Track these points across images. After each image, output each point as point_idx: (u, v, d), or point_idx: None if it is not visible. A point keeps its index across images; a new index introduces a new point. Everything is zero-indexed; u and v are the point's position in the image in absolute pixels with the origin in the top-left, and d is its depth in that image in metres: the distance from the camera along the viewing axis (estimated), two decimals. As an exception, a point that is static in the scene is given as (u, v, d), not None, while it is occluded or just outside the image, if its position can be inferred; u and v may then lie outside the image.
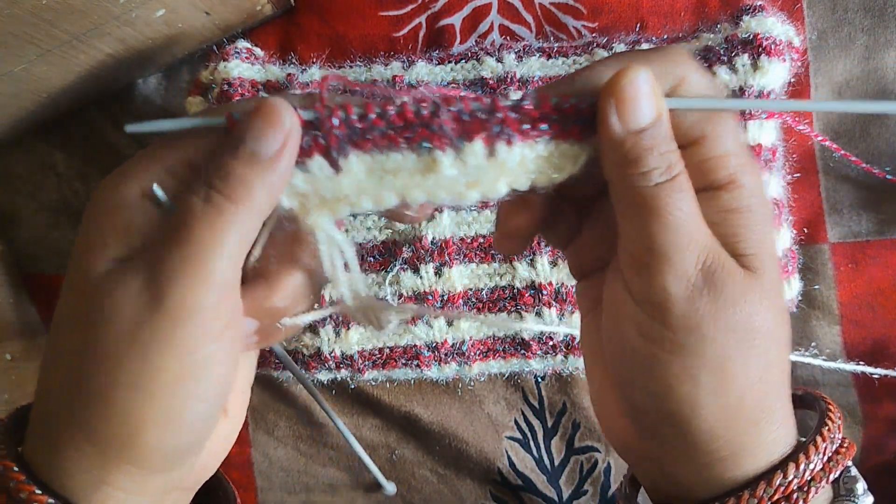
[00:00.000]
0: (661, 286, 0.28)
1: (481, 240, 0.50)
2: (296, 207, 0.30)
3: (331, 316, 0.50)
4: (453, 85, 0.49)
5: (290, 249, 0.32)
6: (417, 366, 0.50)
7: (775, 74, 0.46)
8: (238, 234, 0.28)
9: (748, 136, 0.46)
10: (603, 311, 0.32)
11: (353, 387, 0.55)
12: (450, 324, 0.50)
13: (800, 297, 0.50)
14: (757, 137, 0.46)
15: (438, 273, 0.50)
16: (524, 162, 0.30)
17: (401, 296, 0.50)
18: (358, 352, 0.50)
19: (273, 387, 0.56)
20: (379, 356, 0.51)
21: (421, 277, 0.50)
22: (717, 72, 0.46)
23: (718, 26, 0.48)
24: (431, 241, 0.49)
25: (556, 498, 0.56)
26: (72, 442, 0.28)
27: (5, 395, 0.55)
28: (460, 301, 0.50)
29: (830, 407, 0.34)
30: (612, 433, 0.35)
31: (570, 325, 0.49)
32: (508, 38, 0.52)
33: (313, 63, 0.51)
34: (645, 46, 0.48)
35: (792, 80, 0.49)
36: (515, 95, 0.30)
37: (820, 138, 0.50)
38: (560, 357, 0.50)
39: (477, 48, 0.50)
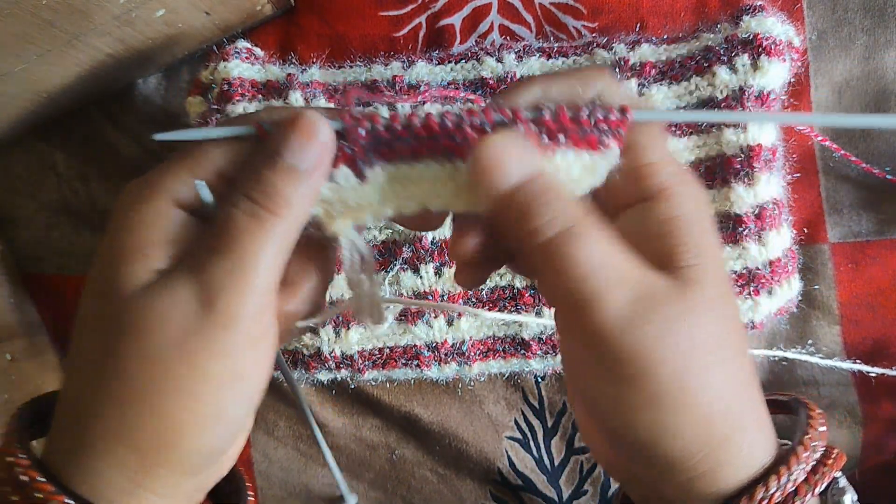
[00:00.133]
0: (592, 329, 0.28)
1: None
2: (321, 214, 0.31)
3: (331, 317, 0.50)
4: (453, 85, 0.49)
5: (307, 255, 0.33)
6: (417, 366, 0.50)
7: (775, 74, 0.46)
8: (279, 244, 0.29)
9: (748, 136, 0.46)
10: (560, 355, 0.32)
11: (353, 387, 0.55)
12: (450, 324, 0.50)
13: (800, 297, 0.50)
14: (757, 137, 0.46)
15: (438, 273, 0.50)
16: None
17: (401, 296, 0.50)
18: (358, 352, 0.50)
19: (273, 387, 0.56)
20: (379, 356, 0.51)
21: (421, 277, 0.50)
22: (718, 72, 0.46)
23: (718, 26, 0.48)
24: (431, 241, 0.49)
25: (556, 498, 0.56)
26: (107, 447, 0.28)
27: (5, 395, 0.55)
28: (460, 301, 0.50)
29: (813, 413, 0.34)
30: (599, 457, 0.36)
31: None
32: (508, 38, 0.52)
33: (313, 63, 0.51)
34: (645, 46, 0.48)
35: (792, 80, 0.49)
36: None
37: (820, 138, 0.50)
38: (560, 357, 0.50)
39: (477, 48, 0.50)
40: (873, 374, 0.50)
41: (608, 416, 0.30)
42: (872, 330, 0.52)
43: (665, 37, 0.50)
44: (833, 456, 0.32)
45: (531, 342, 0.50)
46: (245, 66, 0.49)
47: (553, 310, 0.31)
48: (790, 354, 0.51)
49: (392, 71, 0.50)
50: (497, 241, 0.33)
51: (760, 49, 0.45)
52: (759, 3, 0.47)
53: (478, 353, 0.51)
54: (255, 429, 0.57)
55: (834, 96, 0.51)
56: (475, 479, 0.57)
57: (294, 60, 0.52)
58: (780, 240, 0.48)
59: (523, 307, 0.50)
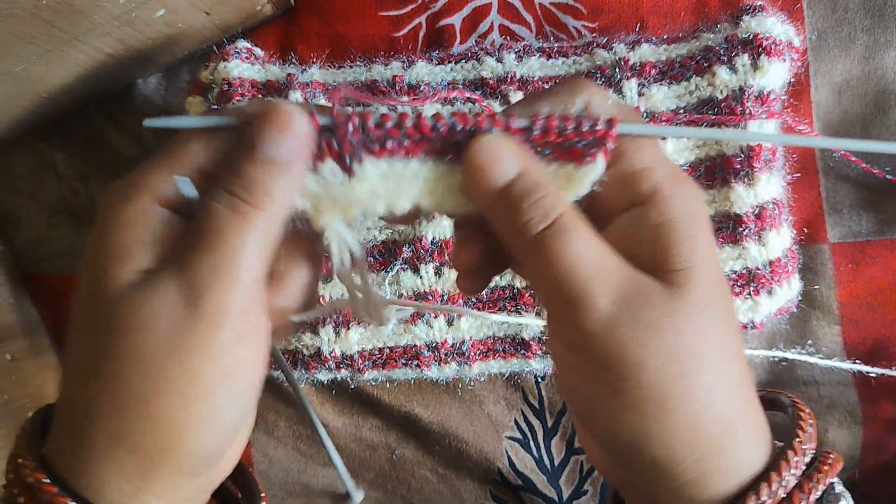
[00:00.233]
0: (577, 328, 0.28)
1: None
2: (308, 208, 0.31)
3: (331, 316, 0.50)
4: (453, 85, 0.49)
5: (295, 248, 0.33)
6: (417, 366, 0.50)
7: (775, 74, 0.46)
8: (262, 238, 0.29)
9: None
10: (551, 358, 0.32)
11: (353, 387, 0.55)
12: (450, 324, 0.50)
13: (800, 297, 0.50)
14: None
15: (438, 273, 0.50)
16: None
17: (401, 296, 0.50)
18: (358, 352, 0.50)
19: (273, 387, 0.56)
20: (379, 356, 0.51)
21: (421, 277, 0.50)
22: (718, 72, 0.46)
23: (718, 26, 0.48)
24: (431, 241, 0.49)
25: (556, 498, 0.56)
26: (107, 451, 0.28)
27: (5, 395, 0.55)
28: (460, 301, 0.50)
29: (802, 414, 0.33)
30: (594, 460, 0.36)
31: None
32: (508, 38, 0.52)
33: (313, 63, 0.51)
34: (645, 46, 0.48)
35: (792, 79, 0.49)
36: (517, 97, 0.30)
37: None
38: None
39: (477, 48, 0.50)
40: (873, 375, 0.50)
41: (593, 419, 0.30)
42: (872, 330, 0.52)
43: (665, 37, 0.50)
44: (829, 462, 0.31)
45: (531, 342, 0.50)
46: (245, 66, 0.49)
47: (545, 310, 0.31)
48: (790, 355, 0.51)
49: (392, 71, 0.50)
50: (498, 246, 0.33)
51: (760, 49, 0.45)
52: (759, 3, 0.47)
53: (478, 353, 0.51)
54: (255, 429, 0.57)
55: (834, 96, 0.51)
56: (475, 479, 0.57)
57: (294, 60, 0.52)
58: (780, 240, 0.48)
59: (523, 307, 0.50)
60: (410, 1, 0.52)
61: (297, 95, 0.48)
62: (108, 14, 0.43)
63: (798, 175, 0.51)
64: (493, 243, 0.32)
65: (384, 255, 0.50)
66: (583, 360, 0.29)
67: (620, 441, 0.29)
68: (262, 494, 0.38)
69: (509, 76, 0.49)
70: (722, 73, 0.46)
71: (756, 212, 0.47)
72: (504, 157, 0.29)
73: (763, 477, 0.30)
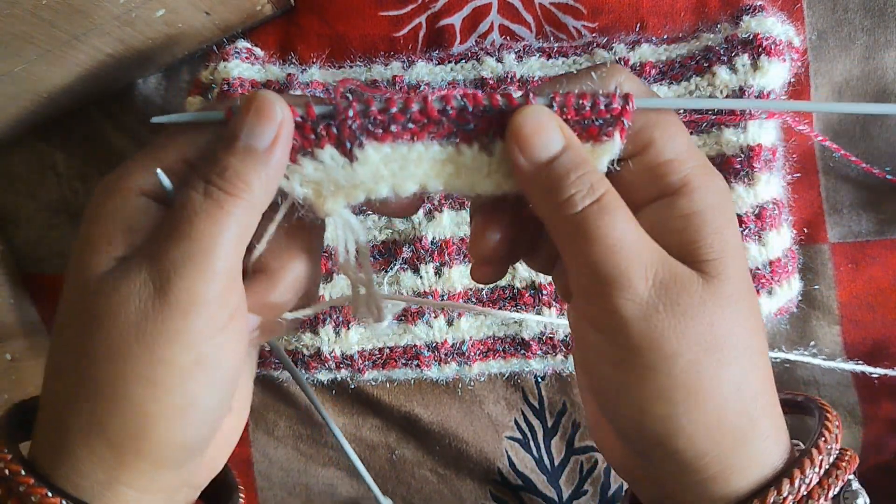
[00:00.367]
0: (613, 311, 0.28)
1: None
2: (310, 195, 0.31)
3: (331, 315, 0.50)
4: (453, 85, 0.49)
5: (289, 244, 0.33)
6: (417, 366, 0.50)
7: (775, 74, 0.46)
8: (238, 226, 0.28)
9: (748, 136, 0.46)
10: (573, 345, 0.32)
11: (353, 387, 0.55)
12: (450, 324, 0.50)
13: (800, 297, 0.50)
14: (757, 137, 0.46)
15: (438, 273, 0.50)
16: None
17: (399, 295, 0.50)
18: (358, 352, 0.50)
19: (273, 387, 0.56)
20: (379, 356, 0.51)
21: (421, 277, 0.50)
22: (718, 72, 0.46)
23: (718, 26, 0.48)
24: (431, 241, 0.49)
25: (556, 498, 0.56)
26: (83, 441, 0.28)
27: (5, 395, 0.55)
28: (460, 301, 0.50)
29: (829, 416, 0.33)
30: (609, 455, 0.35)
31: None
32: (508, 38, 0.52)
33: (313, 63, 0.51)
34: (645, 46, 0.48)
35: (792, 80, 0.49)
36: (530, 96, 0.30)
37: (820, 138, 0.50)
38: (560, 357, 0.50)
39: (477, 48, 0.50)
40: (874, 375, 0.50)
41: (619, 407, 0.29)
42: (872, 330, 0.52)
43: (665, 37, 0.50)
44: (847, 458, 0.31)
45: (531, 342, 0.50)
46: (245, 66, 0.49)
47: (574, 292, 0.30)
48: (791, 356, 0.51)
49: (392, 71, 0.50)
50: (516, 234, 0.32)
51: (760, 49, 0.45)
52: (759, 3, 0.47)
53: (478, 353, 0.51)
54: (255, 429, 0.57)
55: (834, 96, 0.51)
56: (475, 479, 0.57)
57: (294, 60, 0.52)
58: (780, 240, 0.48)
59: (523, 307, 0.50)
60: (410, 1, 0.52)
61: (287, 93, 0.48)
62: (108, 14, 0.43)
63: (798, 175, 0.51)
64: (512, 231, 0.32)
65: (384, 255, 0.50)
66: (613, 345, 0.28)
67: (645, 431, 0.29)
68: (242, 487, 0.38)
69: (509, 76, 0.49)
70: (722, 73, 0.46)
71: (756, 212, 0.47)
72: (550, 129, 0.29)
73: (785, 473, 0.29)
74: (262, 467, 0.58)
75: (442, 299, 0.50)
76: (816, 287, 0.52)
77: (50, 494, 0.28)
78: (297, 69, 0.50)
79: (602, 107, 0.29)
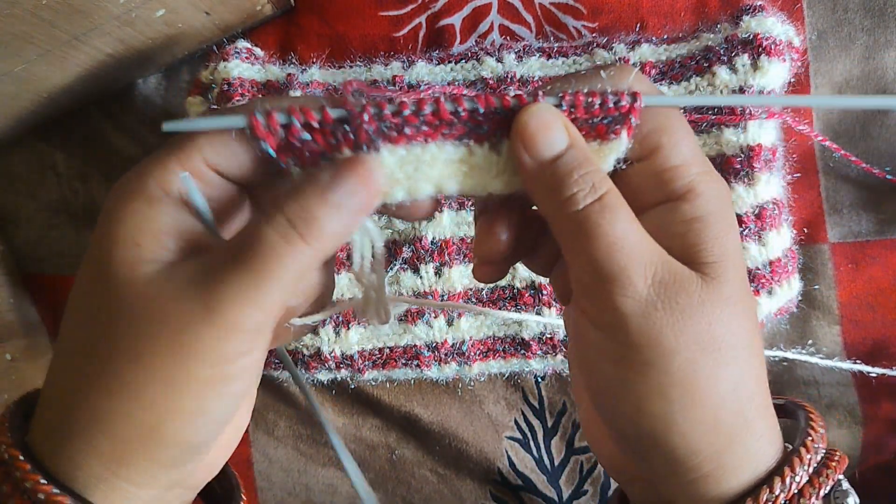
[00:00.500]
0: (613, 308, 0.28)
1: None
2: None
3: (331, 315, 0.50)
4: (453, 85, 0.49)
5: None
6: (417, 366, 0.50)
7: (775, 74, 0.46)
8: (301, 272, 0.29)
9: (748, 137, 0.46)
10: (574, 341, 0.32)
11: (353, 387, 0.55)
12: (450, 324, 0.50)
13: (800, 297, 0.50)
14: (757, 137, 0.46)
15: (438, 273, 0.50)
16: None
17: (400, 296, 0.50)
18: (358, 352, 0.50)
19: (273, 387, 0.56)
20: (379, 356, 0.51)
21: (421, 277, 0.50)
22: (718, 72, 0.46)
23: (718, 26, 0.48)
24: (431, 241, 0.49)
25: (556, 498, 0.56)
26: (85, 433, 0.28)
27: (5, 395, 0.55)
28: (460, 301, 0.50)
29: (812, 415, 0.33)
30: (601, 455, 0.35)
31: (570, 325, 0.49)
32: (508, 38, 0.52)
33: (313, 63, 0.51)
34: (645, 46, 0.48)
35: (792, 80, 0.49)
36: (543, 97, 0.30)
37: (820, 138, 0.50)
38: (560, 357, 0.50)
39: (477, 48, 0.50)
40: (873, 374, 0.50)
41: (616, 404, 0.30)
42: (872, 330, 0.52)
43: (665, 37, 0.50)
44: (836, 458, 0.31)
45: (531, 342, 0.50)
46: (245, 66, 0.49)
47: (574, 289, 0.30)
48: (790, 355, 0.51)
49: (392, 71, 0.50)
50: (519, 233, 0.33)
51: (760, 49, 0.45)
52: (759, 3, 0.47)
53: (478, 353, 0.51)
54: (255, 429, 0.57)
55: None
56: (475, 479, 0.57)
57: (294, 60, 0.52)
58: (780, 240, 0.48)
59: (523, 307, 0.50)
60: (410, 1, 0.52)
61: (297, 95, 0.48)
62: (108, 14, 0.43)
63: (798, 175, 0.51)
64: (515, 232, 0.33)
65: (384, 256, 0.50)
66: (612, 342, 0.29)
67: (642, 429, 0.29)
68: (244, 489, 0.38)
69: (509, 76, 0.49)
70: (722, 73, 0.46)
71: (756, 212, 0.47)
72: (555, 127, 0.29)
73: (776, 472, 0.30)
74: (262, 467, 0.58)
75: (442, 299, 0.50)
76: (816, 287, 0.52)
77: (44, 482, 0.28)
78: (297, 69, 0.50)
79: (611, 104, 0.29)
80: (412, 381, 0.54)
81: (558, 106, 0.29)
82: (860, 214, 0.51)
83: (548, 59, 0.49)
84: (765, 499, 0.29)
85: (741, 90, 0.46)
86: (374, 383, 0.54)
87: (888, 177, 0.50)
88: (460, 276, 0.50)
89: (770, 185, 0.47)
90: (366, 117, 0.29)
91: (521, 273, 0.50)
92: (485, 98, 0.29)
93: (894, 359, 0.51)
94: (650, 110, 0.30)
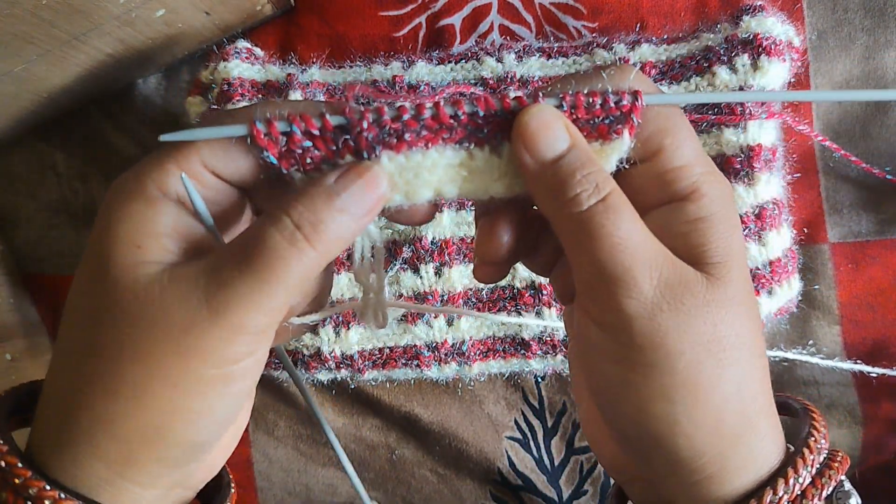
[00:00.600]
0: (617, 309, 0.28)
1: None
2: None
3: (331, 316, 0.50)
4: (457, 84, 0.49)
5: None
6: (417, 366, 0.50)
7: (775, 74, 0.46)
8: (305, 275, 0.29)
9: (748, 136, 0.46)
10: (575, 341, 0.32)
11: (353, 387, 0.55)
12: (450, 324, 0.50)
13: (800, 297, 0.50)
14: (757, 137, 0.46)
15: (438, 273, 0.50)
16: None
17: (400, 296, 0.50)
18: (358, 352, 0.50)
19: (273, 387, 0.56)
20: (379, 356, 0.51)
21: (421, 277, 0.50)
22: (718, 72, 0.46)
23: (718, 26, 0.48)
24: (431, 242, 0.49)
25: (556, 498, 0.56)
26: (88, 435, 0.28)
27: (5, 395, 0.55)
28: (460, 301, 0.50)
29: (814, 415, 0.33)
30: (601, 455, 0.35)
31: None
32: (508, 38, 0.52)
33: (313, 63, 0.51)
34: (645, 46, 0.48)
35: (792, 80, 0.49)
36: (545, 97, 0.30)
37: (820, 138, 0.50)
38: (560, 357, 0.50)
39: (477, 48, 0.50)
40: (873, 374, 0.50)
41: (620, 405, 0.30)
42: (872, 330, 0.52)
43: (665, 37, 0.50)
44: (838, 459, 0.31)
45: (531, 342, 0.50)
46: (245, 66, 0.49)
47: (578, 290, 0.30)
48: (790, 355, 0.51)
49: (392, 71, 0.50)
50: (520, 235, 0.33)
51: (760, 49, 0.45)
52: (759, 3, 0.47)
53: (478, 353, 0.51)
54: (255, 429, 0.57)
55: (834, 96, 0.51)
56: (475, 479, 0.57)
57: (294, 60, 0.52)
58: (780, 240, 0.48)
59: (523, 307, 0.50)
60: (410, 1, 0.52)
61: (296, 95, 0.48)
62: (108, 14, 0.43)
63: (798, 175, 0.51)
64: (517, 233, 0.33)
65: (385, 255, 0.50)
66: (617, 343, 0.29)
67: (646, 430, 0.29)
68: (232, 486, 0.38)
69: (509, 76, 0.49)
70: (722, 73, 0.46)
71: (756, 212, 0.47)
72: (556, 128, 0.29)
73: (780, 473, 0.30)
74: (262, 467, 0.58)
75: (442, 299, 0.50)
76: (816, 287, 0.52)
77: (48, 487, 0.28)
78: (297, 69, 0.50)
79: (612, 104, 0.29)
80: (412, 381, 0.54)
81: (559, 107, 0.29)
82: (860, 214, 0.51)
83: (548, 59, 0.49)
84: (768, 500, 0.29)
85: (741, 90, 0.46)
86: (374, 383, 0.54)
87: (888, 177, 0.50)
88: (460, 276, 0.50)
89: (770, 185, 0.47)
90: (365, 124, 0.29)
91: (521, 273, 0.50)
92: (484, 100, 0.29)
93: (894, 359, 0.51)
94: (652, 111, 0.30)
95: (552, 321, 0.49)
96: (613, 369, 0.29)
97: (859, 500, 0.31)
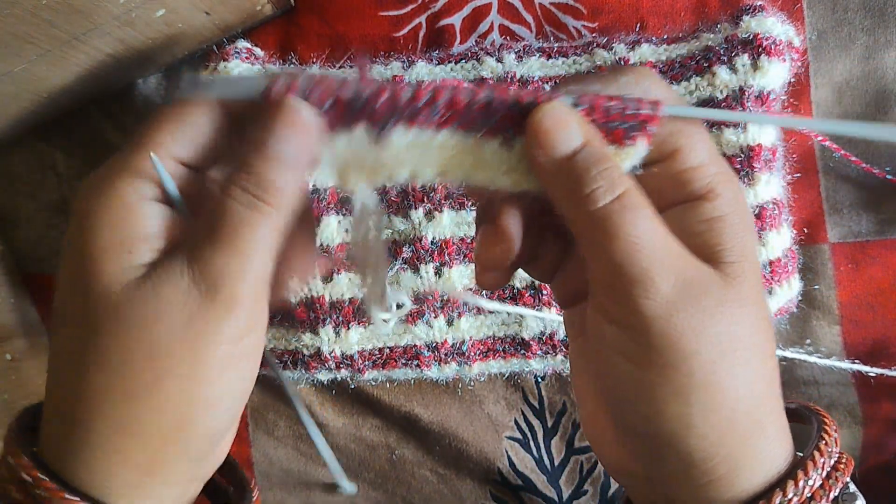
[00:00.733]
0: (635, 309, 0.28)
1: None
2: (337, 168, 0.31)
3: (331, 315, 0.50)
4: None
5: None
6: (417, 366, 0.50)
7: (775, 74, 0.46)
8: (275, 231, 0.30)
9: (748, 137, 0.46)
10: (588, 340, 0.32)
11: (353, 387, 0.55)
12: (450, 324, 0.50)
13: (800, 297, 0.50)
14: (757, 137, 0.46)
15: (438, 273, 0.50)
16: None
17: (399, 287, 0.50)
18: (358, 352, 0.50)
19: (273, 387, 0.56)
20: (379, 356, 0.51)
21: (421, 277, 0.50)
22: (718, 72, 0.46)
23: (718, 26, 0.48)
24: (431, 242, 0.49)
25: (556, 498, 0.56)
26: (111, 443, 0.29)
27: (5, 395, 0.55)
28: (460, 301, 0.50)
29: (826, 419, 0.33)
30: (605, 457, 0.35)
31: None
32: (508, 38, 0.52)
33: (313, 63, 0.51)
34: (645, 46, 0.48)
35: (792, 80, 0.49)
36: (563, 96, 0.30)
37: (820, 138, 0.50)
38: (560, 357, 0.50)
39: (477, 48, 0.50)
40: (873, 374, 0.50)
41: (633, 404, 0.29)
42: (872, 330, 0.52)
43: (665, 37, 0.50)
44: (843, 461, 0.31)
45: (531, 342, 0.50)
46: (245, 66, 0.49)
47: (593, 289, 0.30)
48: (790, 354, 0.51)
49: (392, 71, 0.50)
50: (524, 241, 0.33)
51: (760, 49, 0.45)
52: (759, 3, 0.47)
53: (478, 353, 0.51)
54: (255, 429, 0.57)
55: (834, 96, 0.51)
56: (475, 479, 0.57)
57: (294, 60, 0.52)
58: (780, 240, 0.48)
59: (523, 307, 0.50)
60: (410, 1, 0.52)
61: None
62: (108, 14, 0.43)
63: (798, 175, 0.51)
64: (518, 237, 0.33)
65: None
66: (633, 343, 0.28)
67: (659, 430, 0.29)
68: (254, 487, 0.38)
69: (509, 76, 0.49)
70: (722, 73, 0.46)
71: (756, 212, 0.47)
72: (570, 125, 0.29)
73: (789, 475, 0.30)
74: (262, 467, 0.58)
75: (442, 299, 0.50)
76: (816, 287, 0.52)
77: (75, 498, 0.28)
78: (297, 69, 0.50)
79: (630, 111, 0.29)
80: (412, 381, 0.54)
81: (575, 106, 0.29)
82: (860, 214, 0.51)
83: (548, 59, 0.49)
84: (777, 502, 0.29)
85: (741, 90, 0.46)
86: (374, 383, 0.54)
87: (888, 177, 0.50)
88: (460, 276, 0.50)
89: (770, 186, 0.47)
90: (382, 99, 0.29)
91: (521, 273, 0.50)
92: (501, 91, 0.29)
93: (894, 359, 0.51)
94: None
95: (551, 322, 0.49)
96: (628, 369, 0.29)
97: (864, 502, 0.31)
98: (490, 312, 0.50)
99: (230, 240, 0.28)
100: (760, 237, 0.47)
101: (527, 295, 0.50)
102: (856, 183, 0.51)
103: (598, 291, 0.30)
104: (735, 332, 0.28)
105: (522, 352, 0.50)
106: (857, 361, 0.50)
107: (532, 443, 0.56)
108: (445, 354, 0.50)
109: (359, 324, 0.50)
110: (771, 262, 0.47)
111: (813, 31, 0.50)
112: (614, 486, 0.56)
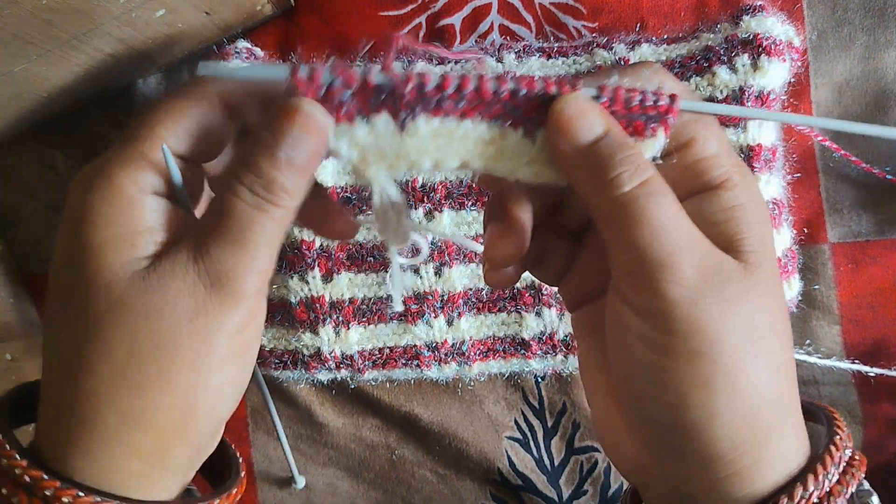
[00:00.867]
0: (660, 294, 0.28)
1: (482, 240, 0.50)
2: (355, 159, 0.31)
3: (331, 315, 0.50)
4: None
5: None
6: (417, 366, 0.50)
7: (775, 74, 0.46)
8: (280, 229, 0.30)
9: (748, 136, 0.46)
10: (607, 332, 0.31)
11: (353, 387, 0.55)
12: (450, 323, 0.50)
13: (800, 297, 0.50)
14: (757, 137, 0.46)
15: (438, 273, 0.50)
16: None
17: (400, 296, 0.50)
18: (358, 352, 0.50)
19: (273, 387, 0.56)
20: (379, 356, 0.51)
21: (421, 277, 0.50)
22: (718, 72, 0.46)
23: (718, 26, 0.48)
24: (431, 242, 0.49)
25: (556, 498, 0.56)
26: (118, 434, 0.29)
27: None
28: (460, 301, 0.50)
29: (835, 416, 0.33)
30: (618, 456, 0.35)
31: (569, 324, 0.49)
32: (508, 38, 0.52)
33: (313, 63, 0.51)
34: (645, 46, 0.48)
35: (792, 79, 0.49)
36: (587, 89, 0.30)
37: (820, 138, 0.50)
38: (560, 357, 0.50)
39: (477, 48, 0.50)
40: (873, 374, 0.50)
41: (656, 394, 0.29)
42: (872, 330, 0.52)
43: (665, 37, 0.50)
44: (857, 458, 0.31)
45: (531, 342, 0.50)
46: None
47: (615, 276, 0.30)
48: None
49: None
50: (533, 242, 0.33)
51: (760, 49, 0.45)
52: (759, 3, 0.47)
53: (478, 353, 0.51)
54: (255, 429, 0.57)
55: (834, 96, 0.51)
56: (475, 479, 0.57)
57: (294, 61, 0.52)
58: (780, 240, 0.48)
59: (523, 307, 0.50)
60: (410, 1, 0.52)
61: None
62: (108, 14, 0.43)
63: (798, 175, 0.51)
64: (527, 236, 0.33)
65: (384, 255, 0.50)
66: (656, 330, 0.28)
67: (682, 420, 0.29)
68: (242, 470, 0.39)
69: (509, 76, 0.48)
70: (722, 73, 0.46)
71: (756, 212, 0.47)
72: (591, 114, 0.29)
73: (808, 469, 0.29)
74: (262, 467, 0.58)
75: (442, 299, 0.50)
76: (816, 287, 0.52)
77: (81, 494, 0.28)
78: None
79: (650, 103, 0.29)
80: (412, 381, 0.54)
81: (597, 98, 0.29)
82: (860, 214, 0.51)
83: (548, 59, 0.49)
84: (799, 496, 0.29)
85: (741, 90, 0.46)
86: (374, 383, 0.54)
87: (888, 177, 0.50)
88: (460, 275, 0.50)
89: (770, 185, 0.47)
90: (409, 88, 0.29)
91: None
92: (527, 81, 0.29)
93: (894, 359, 0.51)
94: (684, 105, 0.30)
95: (551, 322, 0.49)
96: (650, 358, 0.29)
97: (878, 501, 0.31)
98: (490, 313, 0.51)
99: (236, 238, 0.29)
100: (760, 237, 0.47)
101: (527, 295, 0.50)
102: (856, 183, 0.51)
103: (621, 279, 0.29)
104: (757, 321, 0.28)
105: (522, 352, 0.50)
106: (857, 361, 0.50)
107: (532, 443, 0.56)
108: (445, 354, 0.50)
109: (359, 324, 0.50)
110: (771, 262, 0.47)
111: (813, 31, 0.50)
112: (614, 486, 0.56)
